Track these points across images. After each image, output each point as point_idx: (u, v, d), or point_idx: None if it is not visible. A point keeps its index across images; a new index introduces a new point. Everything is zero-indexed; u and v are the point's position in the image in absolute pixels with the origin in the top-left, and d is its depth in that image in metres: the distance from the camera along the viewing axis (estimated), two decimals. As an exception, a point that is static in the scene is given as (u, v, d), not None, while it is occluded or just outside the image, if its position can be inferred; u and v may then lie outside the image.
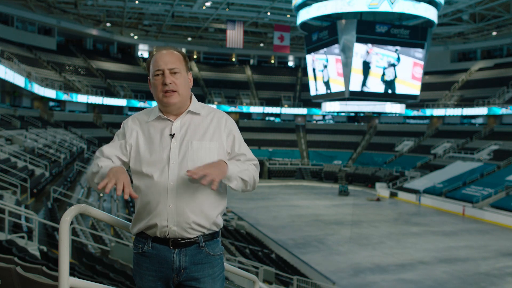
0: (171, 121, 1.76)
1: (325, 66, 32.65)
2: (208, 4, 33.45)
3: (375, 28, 29.15)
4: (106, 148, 1.78)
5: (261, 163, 38.46)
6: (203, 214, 1.73)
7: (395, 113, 37.69)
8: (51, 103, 35.10)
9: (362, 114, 39.99)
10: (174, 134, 1.74)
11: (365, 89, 30.82)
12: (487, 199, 25.35)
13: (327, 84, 33.08)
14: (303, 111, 44.62)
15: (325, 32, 31.19)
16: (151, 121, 1.78)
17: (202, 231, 1.74)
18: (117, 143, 1.79)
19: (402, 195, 30.43)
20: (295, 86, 47.34)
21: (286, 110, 44.67)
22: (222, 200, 1.80)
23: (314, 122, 47.17)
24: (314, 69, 34.41)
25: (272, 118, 46.72)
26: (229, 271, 2.61)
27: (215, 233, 1.79)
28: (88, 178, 1.77)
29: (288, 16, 36.15)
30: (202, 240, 1.74)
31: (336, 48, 30.37)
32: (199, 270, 1.75)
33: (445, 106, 39.25)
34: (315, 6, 29.52)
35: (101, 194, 14.05)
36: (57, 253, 1.99)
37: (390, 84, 30.82)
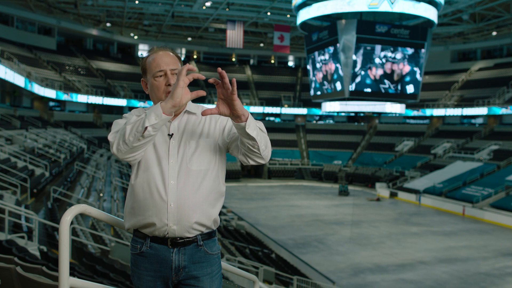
0: (169, 121, 1.77)
1: (325, 66, 32.66)
2: (208, 4, 33.44)
3: (375, 28, 29.14)
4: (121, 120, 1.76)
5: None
6: (204, 212, 1.73)
7: (395, 113, 37.68)
8: (51, 103, 35.10)
9: (362, 114, 39.98)
10: (172, 134, 1.75)
11: (365, 89, 30.82)
12: (487, 199, 25.35)
13: (327, 84, 33.09)
14: (303, 111, 44.62)
15: (325, 32, 31.19)
16: None
17: (202, 230, 1.75)
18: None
19: (402, 195, 30.43)
20: (295, 86, 47.35)
21: (286, 110, 44.68)
22: (221, 198, 1.82)
23: (314, 122, 47.18)
24: (314, 69, 34.42)
25: (272, 118, 46.72)
26: (229, 271, 2.62)
27: (212, 232, 1.80)
28: (122, 138, 1.62)
29: (288, 16, 36.15)
30: (201, 239, 1.75)
31: (336, 48, 30.38)
32: (198, 269, 1.76)
33: (445, 106, 39.26)
34: (315, 6, 29.52)
35: (101, 194, 14.06)
36: (57, 253, 1.99)
37: (390, 84, 30.81)
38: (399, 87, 30.91)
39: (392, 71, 30.45)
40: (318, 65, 33.63)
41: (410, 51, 30.05)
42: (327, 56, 31.94)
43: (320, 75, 33.73)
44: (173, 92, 1.57)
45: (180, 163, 1.71)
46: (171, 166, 1.71)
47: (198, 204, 1.71)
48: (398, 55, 30.10)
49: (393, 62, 30.25)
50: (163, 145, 1.74)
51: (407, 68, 30.51)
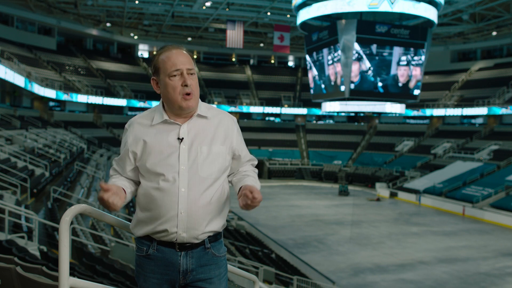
0: (178, 125, 1.70)
1: (325, 66, 32.66)
2: (208, 4, 33.44)
3: (375, 28, 29.15)
4: (116, 169, 1.80)
5: (261, 163, 38.48)
6: (214, 221, 1.71)
7: (395, 113, 37.69)
8: (51, 103, 35.10)
9: (362, 114, 39.99)
10: (183, 138, 1.68)
11: (365, 89, 30.81)
12: (487, 199, 25.35)
13: (327, 84, 33.09)
14: (303, 111, 44.63)
15: (325, 32, 31.19)
16: (156, 124, 1.71)
17: (210, 235, 1.73)
18: (123, 161, 1.76)
19: (402, 195, 30.42)
20: (295, 86, 47.35)
21: (286, 110, 44.68)
22: (228, 203, 1.80)
23: (314, 122, 47.18)
24: (314, 69, 34.42)
25: (272, 118, 46.72)
26: (229, 271, 2.61)
27: (218, 234, 1.77)
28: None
29: (288, 16, 36.15)
30: (208, 241, 1.72)
31: (336, 48, 30.38)
32: (206, 271, 1.73)
33: (445, 106, 39.26)
34: (315, 6, 29.53)
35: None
36: (57, 253, 1.99)
37: (390, 84, 30.80)
38: (398, 87, 30.90)
39: (392, 71, 30.42)
40: (318, 65, 33.61)
41: (411, 51, 29.99)
42: (327, 56, 31.94)
43: (320, 75, 33.73)
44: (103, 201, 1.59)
45: (190, 169, 1.65)
46: (181, 172, 1.65)
47: (208, 213, 1.68)
48: (407, 57, 30.03)
49: (393, 64, 30.22)
50: (173, 150, 1.67)
51: (418, 73, 30.49)
